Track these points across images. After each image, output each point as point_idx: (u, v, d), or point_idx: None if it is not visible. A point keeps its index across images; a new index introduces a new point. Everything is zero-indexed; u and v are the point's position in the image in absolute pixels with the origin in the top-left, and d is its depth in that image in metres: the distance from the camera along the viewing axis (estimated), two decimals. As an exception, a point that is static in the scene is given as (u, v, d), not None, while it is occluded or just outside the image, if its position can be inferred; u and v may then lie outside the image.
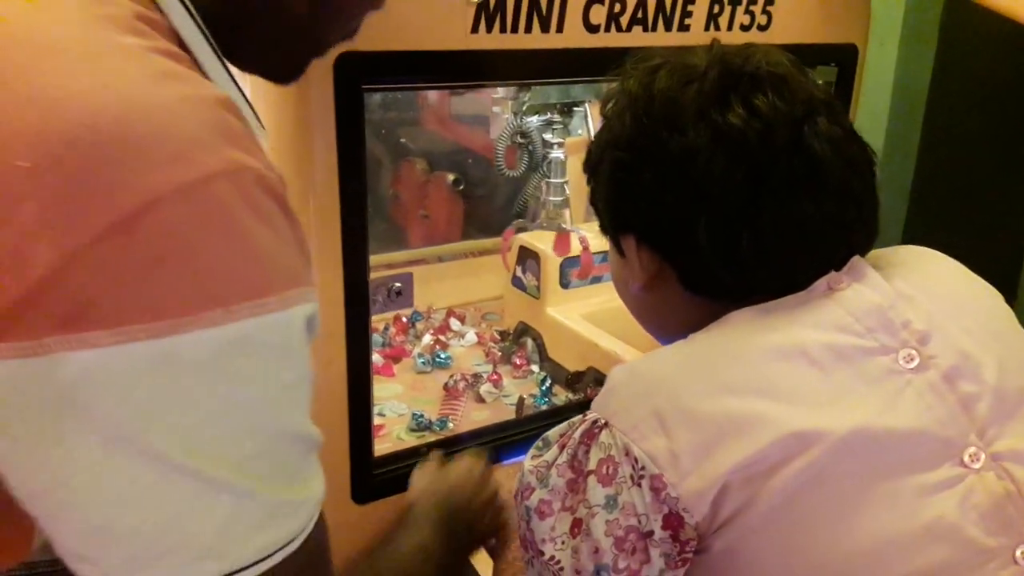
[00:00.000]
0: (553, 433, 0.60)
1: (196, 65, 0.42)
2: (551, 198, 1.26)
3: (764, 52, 0.61)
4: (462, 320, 1.55)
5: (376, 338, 1.45)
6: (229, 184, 0.35)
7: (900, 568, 0.49)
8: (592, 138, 0.68)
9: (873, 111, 1.42)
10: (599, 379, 1.27)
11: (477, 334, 1.51)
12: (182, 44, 0.42)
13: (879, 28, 1.35)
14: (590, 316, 1.36)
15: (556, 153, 1.25)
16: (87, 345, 0.33)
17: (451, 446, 0.99)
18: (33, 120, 0.33)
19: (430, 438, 1.19)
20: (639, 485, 0.51)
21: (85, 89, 0.34)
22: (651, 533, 0.51)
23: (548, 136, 1.25)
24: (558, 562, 0.54)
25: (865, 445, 0.50)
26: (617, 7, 0.87)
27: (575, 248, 1.36)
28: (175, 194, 0.34)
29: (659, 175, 0.59)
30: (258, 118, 0.47)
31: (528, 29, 0.82)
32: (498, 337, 1.49)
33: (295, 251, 0.39)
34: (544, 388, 1.29)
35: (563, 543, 0.55)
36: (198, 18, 0.43)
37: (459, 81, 0.84)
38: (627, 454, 0.52)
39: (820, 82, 0.62)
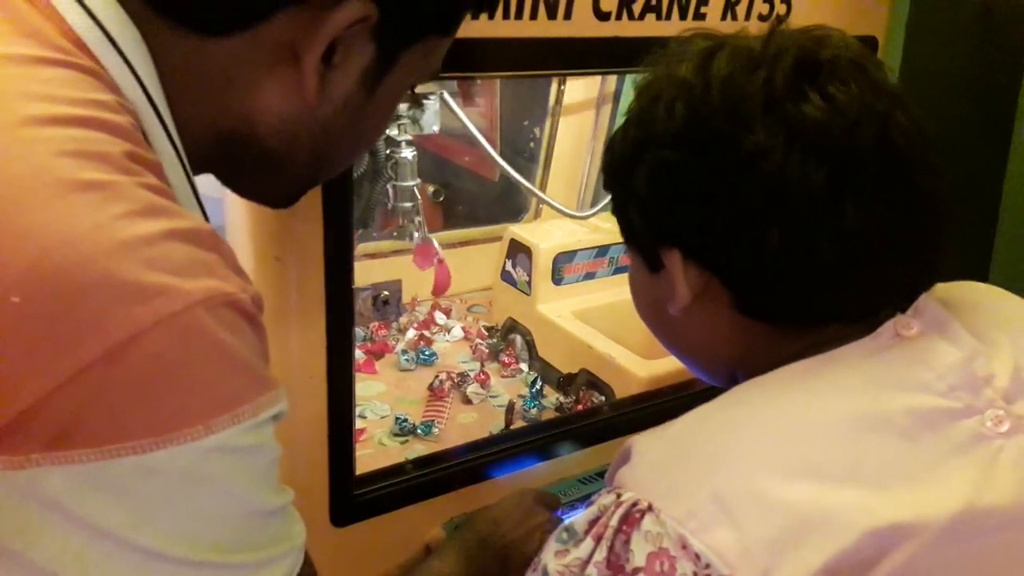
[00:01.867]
0: (580, 522, 0.49)
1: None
2: (400, 204, 1.09)
3: (838, 35, 0.53)
4: (447, 313, 1.49)
5: (358, 332, 1.38)
6: (206, 310, 0.38)
7: None
8: (616, 133, 0.58)
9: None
10: (592, 381, 1.21)
11: (463, 329, 1.44)
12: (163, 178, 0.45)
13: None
14: (582, 314, 1.30)
15: (403, 153, 1.07)
16: (72, 461, 0.36)
17: (438, 462, 0.92)
18: (27, 257, 0.35)
19: (414, 443, 1.13)
20: None
21: (79, 228, 0.36)
22: None
23: (393, 133, 1.06)
24: None
25: (968, 530, 0.44)
26: (629, -7, 0.80)
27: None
28: (157, 326, 0.37)
29: (721, 177, 0.50)
30: None
31: (533, 16, 0.75)
32: (485, 333, 1.42)
33: (262, 361, 0.43)
34: (534, 390, 1.23)
35: None
36: (186, 163, 0.48)
37: (456, 73, 0.76)
38: (684, 547, 0.43)
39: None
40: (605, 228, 1.39)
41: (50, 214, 0.36)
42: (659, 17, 0.82)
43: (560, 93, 1.53)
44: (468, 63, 0.74)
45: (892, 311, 0.51)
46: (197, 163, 0.50)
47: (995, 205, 1.49)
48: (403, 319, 1.44)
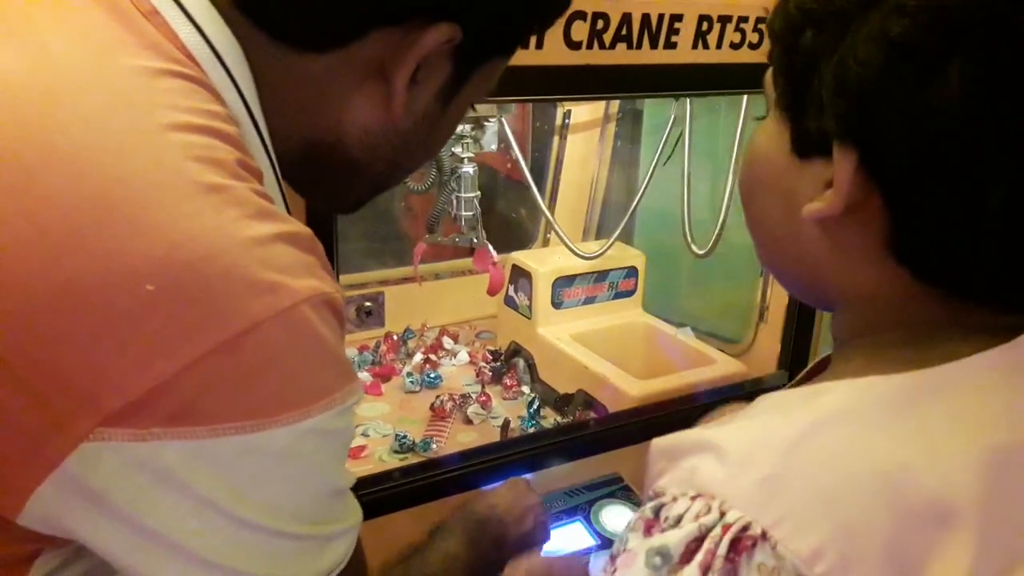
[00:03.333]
0: (675, 542, 0.40)
1: None
2: (462, 213, 1.23)
3: None
4: (455, 339, 1.53)
5: (366, 356, 1.43)
6: (310, 307, 0.42)
7: None
8: None
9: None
10: (588, 401, 1.24)
11: (469, 353, 1.48)
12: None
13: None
14: (581, 337, 1.33)
15: (466, 168, 1.21)
16: (186, 437, 0.40)
17: (425, 470, 0.96)
18: (161, 250, 0.39)
19: (413, 460, 1.16)
20: None
21: (205, 227, 0.40)
22: None
23: (457, 150, 1.21)
24: None
25: None
26: (600, 24, 0.84)
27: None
28: (271, 319, 0.41)
29: (981, 84, 0.36)
30: None
31: (506, 45, 0.80)
32: (490, 357, 1.46)
33: (345, 353, 0.47)
34: (532, 410, 1.26)
35: None
36: (278, 171, 0.51)
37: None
38: None
39: None
40: (607, 254, 1.43)
41: (180, 212, 0.40)
42: (630, 47, 0.87)
43: (565, 123, 1.58)
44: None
45: None
46: (282, 170, 0.53)
47: None
48: (411, 343, 1.49)
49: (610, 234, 1.53)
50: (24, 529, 0.42)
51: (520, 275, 1.39)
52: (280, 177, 0.52)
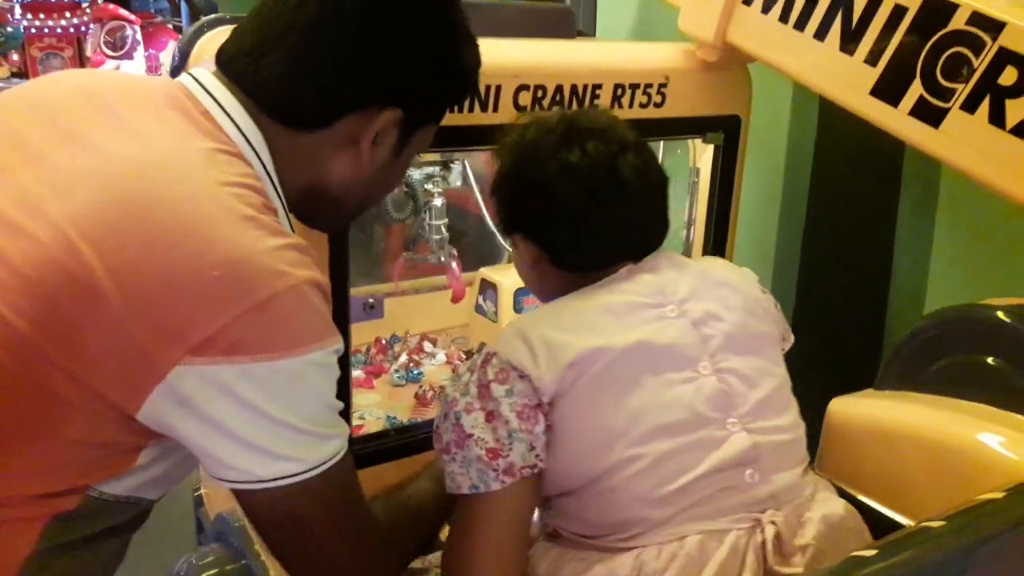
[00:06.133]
0: (462, 368, 0.88)
1: None
2: (433, 236, 1.56)
3: (595, 112, 0.98)
4: (434, 343, 1.81)
5: (359, 357, 1.70)
6: (308, 287, 0.68)
7: (653, 421, 0.80)
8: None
9: (771, 170, 1.71)
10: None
11: (446, 355, 1.75)
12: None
13: (774, 100, 1.64)
14: (538, 337, 1.61)
15: (436, 201, 1.53)
16: (237, 363, 0.64)
17: (414, 430, 1.23)
18: (219, 251, 0.64)
19: (401, 435, 1.43)
20: (522, 378, 0.81)
21: (244, 240, 0.66)
22: (537, 404, 0.81)
23: (429, 186, 1.52)
24: (483, 439, 0.80)
25: (641, 352, 0.82)
26: (540, 92, 1.14)
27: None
28: (284, 291, 0.65)
29: (531, 194, 0.91)
30: None
31: (471, 109, 1.09)
32: (464, 357, 1.74)
33: (330, 318, 0.71)
34: (498, 396, 1.54)
35: (483, 427, 0.81)
36: (287, 208, 0.78)
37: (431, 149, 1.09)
38: (511, 366, 0.82)
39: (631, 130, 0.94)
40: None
41: (231, 231, 0.65)
42: (563, 107, 1.16)
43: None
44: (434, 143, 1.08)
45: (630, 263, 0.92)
46: (289, 207, 0.80)
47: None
48: (397, 347, 1.76)
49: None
50: (140, 424, 0.66)
51: (488, 287, 1.68)
52: (288, 211, 0.79)
